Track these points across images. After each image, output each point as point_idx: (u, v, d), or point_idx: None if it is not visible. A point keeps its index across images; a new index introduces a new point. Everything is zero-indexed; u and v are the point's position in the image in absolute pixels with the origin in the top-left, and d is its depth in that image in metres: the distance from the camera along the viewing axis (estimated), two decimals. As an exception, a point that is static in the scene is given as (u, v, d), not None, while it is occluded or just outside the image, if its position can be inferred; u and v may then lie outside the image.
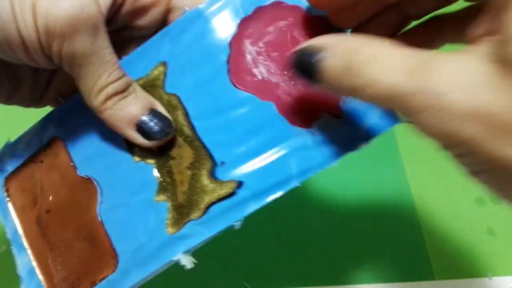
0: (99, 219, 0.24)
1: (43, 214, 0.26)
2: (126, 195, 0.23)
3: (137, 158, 0.24)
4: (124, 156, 0.24)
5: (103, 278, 0.23)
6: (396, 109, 0.16)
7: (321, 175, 0.41)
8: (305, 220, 0.38)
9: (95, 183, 0.24)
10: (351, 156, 0.23)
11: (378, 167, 0.42)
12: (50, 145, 0.26)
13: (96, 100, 0.21)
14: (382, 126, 0.22)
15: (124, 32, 0.25)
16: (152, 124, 0.22)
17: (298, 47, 0.19)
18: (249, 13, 0.23)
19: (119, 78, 0.22)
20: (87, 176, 0.25)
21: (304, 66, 0.18)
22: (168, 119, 0.23)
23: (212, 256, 0.37)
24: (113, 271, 0.23)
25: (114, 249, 0.23)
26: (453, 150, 0.15)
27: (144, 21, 0.25)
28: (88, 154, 0.25)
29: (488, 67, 0.13)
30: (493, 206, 0.39)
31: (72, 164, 0.25)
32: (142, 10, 0.25)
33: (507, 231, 0.38)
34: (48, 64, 0.21)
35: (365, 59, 0.16)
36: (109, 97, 0.21)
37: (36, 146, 0.26)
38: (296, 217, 0.38)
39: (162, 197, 0.23)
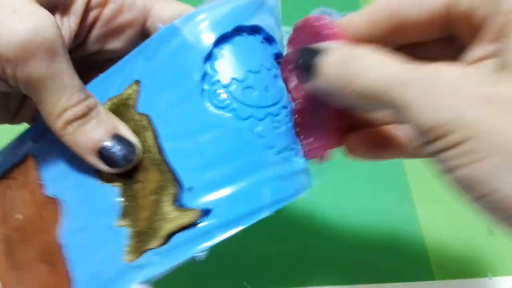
0: (59, 243, 0.23)
1: (12, 232, 0.25)
2: (90, 218, 0.23)
3: (103, 180, 0.23)
4: (91, 177, 0.23)
5: None
6: (390, 101, 0.16)
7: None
8: (305, 220, 0.38)
9: (60, 204, 0.23)
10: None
11: (377, 165, 0.42)
12: (24, 162, 0.25)
13: (55, 125, 0.21)
14: None
15: (100, 55, 0.25)
16: (114, 150, 0.21)
17: (303, 47, 0.20)
18: (229, 30, 0.21)
19: (79, 103, 0.21)
20: (53, 196, 0.24)
21: (305, 62, 0.19)
22: (133, 145, 0.21)
23: (212, 256, 0.37)
24: None
25: (69, 276, 0.22)
26: (444, 140, 0.15)
27: (119, 43, 0.24)
28: (56, 173, 0.24)
29: (488, 71, 0.15)
30: (493, 206, 0.39)
31: (40, 182, 0.24)
32: (116, 32, 0.24)
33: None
34: (6, 87, 0.20)
35: (363, 54, 0.17)
36: (68, 122, 0.21)
37: (11, 161, 0.26)
38: (296, 217, 0.38)
39: (124, 222, 0.22)
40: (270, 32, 0.23)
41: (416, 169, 0.42)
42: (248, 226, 0.20)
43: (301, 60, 0.20)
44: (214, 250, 0.40)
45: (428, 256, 0.36)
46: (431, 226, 0.38)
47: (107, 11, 0.23)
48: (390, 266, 0.36)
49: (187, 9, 0.24)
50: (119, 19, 0.24)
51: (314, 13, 0.22)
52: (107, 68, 0.23)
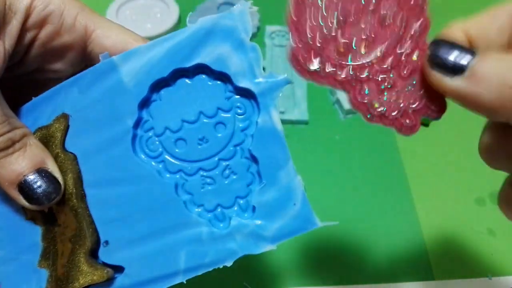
0: None
1: None
2: (16, 251, 0.22)
3: (27, 217, 0.22)
4: (17, 211, 0.22)
5: None
6: None
7: (318, 172, 0.40)
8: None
9: None
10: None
11: (378, 165, 0.42)
12: None
13: None
14: (292, 231, 0.20)
15: (42, 74, 0.24)
16: (35, 186, 0.20)
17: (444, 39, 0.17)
18: (165, 75, 0.20)
19: (1, 135, 0.20)
20: None
21: (451, 60, 0.17)
22: (57, 183, 0.21)
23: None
24: None
25: None
26: None
27: (61, 64, 0.24)
28: None
29: None
30: (493, 206, 0.39)
31: None
32: (56, 53, 0.23)
33: (507, 231, 0.37)
34: None
35: None
36: None
37: None
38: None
39: (44, 264, 0.22)
40: (222, 68, 0.20)
41: (416, 169, 0.42)
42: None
43: (444, 54, 0.17)
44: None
45: (428, 256, 0.36)
46: (431, 226, 0.38)
47: (44, 32, 0.22)
48: (390, 266, 0.36)
49: (130, 38, 0.23)
50: (57, 41, 0.23)
51: None
52: (52, 87, 0.23)
